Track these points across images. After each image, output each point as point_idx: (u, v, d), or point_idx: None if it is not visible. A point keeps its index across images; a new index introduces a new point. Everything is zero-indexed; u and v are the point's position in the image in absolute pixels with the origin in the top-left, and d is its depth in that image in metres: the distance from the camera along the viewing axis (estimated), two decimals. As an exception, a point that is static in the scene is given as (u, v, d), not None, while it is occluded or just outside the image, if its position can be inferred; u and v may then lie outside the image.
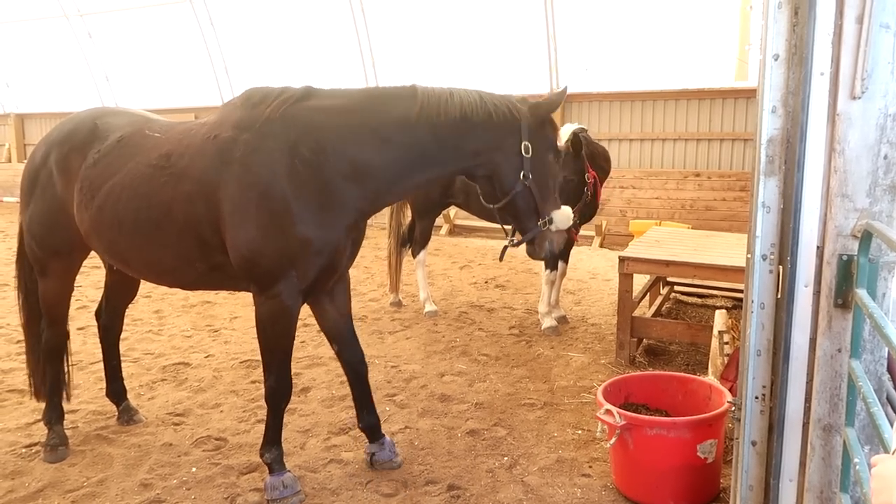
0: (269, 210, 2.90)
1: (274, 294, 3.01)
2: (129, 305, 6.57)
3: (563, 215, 3.10)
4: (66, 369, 3.92)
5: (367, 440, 3.62)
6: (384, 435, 3.63)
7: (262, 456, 3.33)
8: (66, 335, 3.85)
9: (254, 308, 3.15)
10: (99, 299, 4.18)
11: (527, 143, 2.98)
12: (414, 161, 3.00)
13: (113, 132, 3.37)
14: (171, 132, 3.25)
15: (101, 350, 4.15)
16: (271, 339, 3.15)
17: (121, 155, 3.25)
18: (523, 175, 3.00)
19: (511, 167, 3.00)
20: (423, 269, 6.55)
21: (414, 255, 6.52)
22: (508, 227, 3.36)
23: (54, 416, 3.77)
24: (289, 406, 4.25)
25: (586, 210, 5.63)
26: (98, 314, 4.12)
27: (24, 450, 3.76)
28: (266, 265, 2.95)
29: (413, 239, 6.50)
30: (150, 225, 3.12)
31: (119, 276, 3.98)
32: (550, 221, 3.07)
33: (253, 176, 2.91)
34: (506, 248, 3.42)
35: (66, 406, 4.26)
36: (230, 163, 2.94)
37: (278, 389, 3.22)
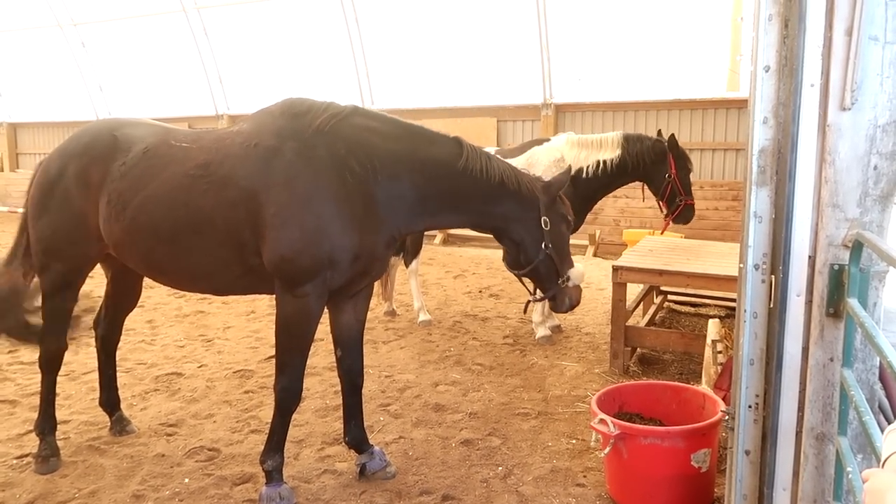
0: (316, 214, 3.04)
1: (302, 293, 3.10)
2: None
3: (578, 273, 3.44)
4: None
5: (356, 453, 3.62)
6: (372, 445, 3.64)
7: (262, 463, 3.31)
8: (66, 347, 3.81)
9: (276, 308, 3.21)
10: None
11: (545, 217, 3.31)
12: (451, 203, 3.30)
13: (135, 144, 3.38)
14: (201, 142, 3.31)
15: (96, 359, 4.12)
16: (292, 338, 3.21)
17: (150, 166, 3.28)
18: (545, 245, 3.31)
19: (533, 239, 3.33)
20: (417, 279, 6.56)
21: (406, 265, 6.53)
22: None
23: (48, 426, 3.73)
24: (282, 416, 4.26)
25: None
26: (96, 323, 4.08)
27: (14, 461, 3.72)
28: (304, 265, 3.05)
29: (405, 248, 6.51)
30: (190, 232, 3.19)
31: (120, 285, 3.96)
32: (568, 279, 3.40)
33: (302, 182, 3.05)
34: (528, 302, 3.87)
35: (58, 416, 4.24)
36: (275, 169, 3.06)
37: (291, 390, 3.25)
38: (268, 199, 3.05)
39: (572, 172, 5.50)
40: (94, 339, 4.12)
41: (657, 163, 5.58)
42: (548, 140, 5.97)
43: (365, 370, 3.68)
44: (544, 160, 5.70)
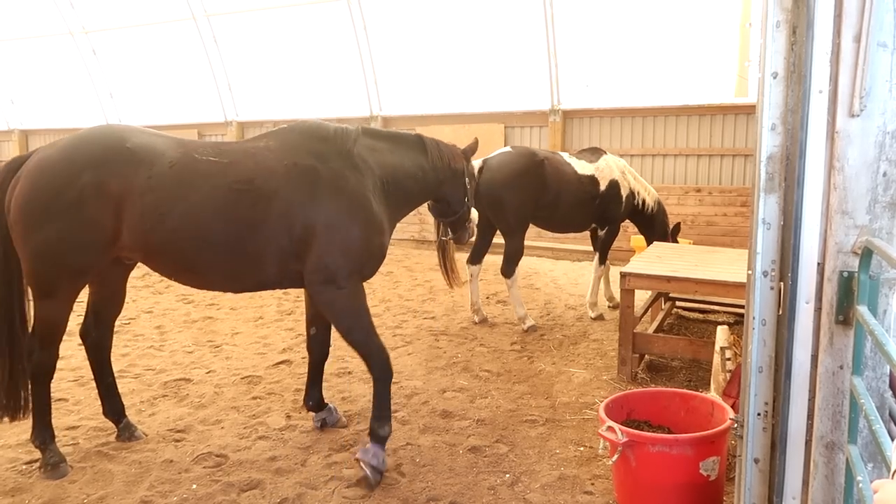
0: (363, 220, 3.64)
1: (346, 285, 3.62)
2: (132, 321, 6.63)
3: (475, 214, 4.60)
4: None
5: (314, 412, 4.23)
6: (328, 403, 4.31)
7: (378, 430, 3.66)
8: (57, 358, 3.73)
9: (323, 307, 3.72)
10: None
11: (467, 177, 4.35)
12: (424, 192, 4.20)
13: (156, 156, 3.50)
14: (231, 156, 3.60)
15: (92, 371, 4.05)
16: (358, 324, 3.68)
17: (184, 179, 3.48)
18: (467, 199, 4.41)
19: (461, 195, 4.38)
20: (476, 283, 6.63)
21: (508, 275, 6.36)
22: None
23: (47, 435, 3.69)
24: (288, 423, 4.28)
25: None
26: (84, 334, 4.00)
27: (24, 466, 3.74)
28: (354, 262, 3.62)
29: (508, 256, 6.43)
30: (239, 238, 3.51)
31: (105, 291, 3.94)
32: (471, 221, 4.55)
33: (348, 195, 3.62)
34: (442, 241, 4.90)
35: (68, 422, 4.25)
36: (320, 186, 3.58)
37: (384, 360, 3.71)
38: (316, 212, 3.53)
39: (626, 192, 6.78)
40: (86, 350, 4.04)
41: (664, 234, 7.23)
42: (604, 152, 6.98)
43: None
44: (616, 169, 6.81)
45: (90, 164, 3.44)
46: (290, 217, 3.51)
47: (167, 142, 3.62)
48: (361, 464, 3.55)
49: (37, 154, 3.57)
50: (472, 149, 4.47)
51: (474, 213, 4.57)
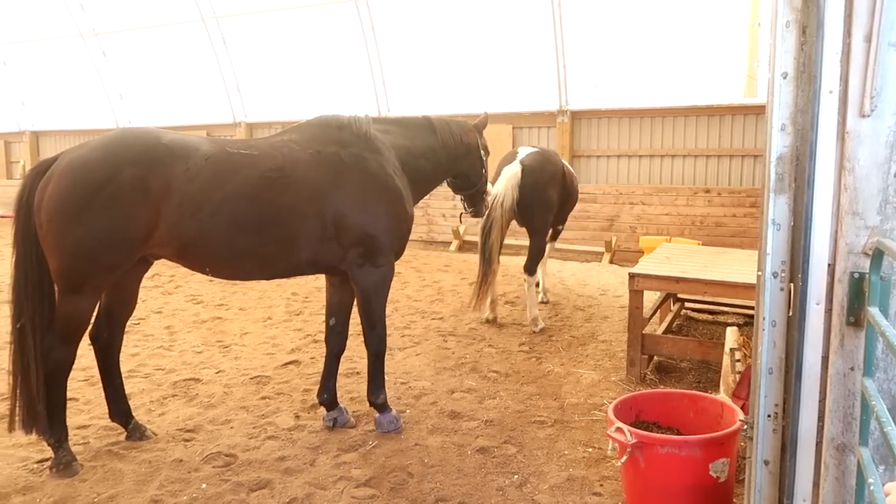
0: (387, 199, 3.95)
1: (382, 264, 4.00)
2: (142, 321, 6.67)
3: (490, 186, 4.92)
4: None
5: (326, 410, 4.26)
6: (341, 404, 4.35)
7: (375, 399, 4.16)
8: (76, 354, 3.74)
9: (354, 283, 4.01)
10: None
11: (482, 151, 4.66)
12: (437, 170, 4.47)
13: (191, 151, 3.62)
14: (259, 149, 3.81)
15: (100, 373, 4.03)
16: (379, 300, 4.08)
17: (219, 170, 3.63)
18: (484, 171, 4.75)
19: (478, 168, 4.71)
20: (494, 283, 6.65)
21: (532, 272, 6.50)
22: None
23: (63, 433, 3.72)
24: (297, 423, 4.30)
25: None
26: (96, 335, 3.98)
27: (35, 465, 3.76)
28: (383, 239, 3.95)
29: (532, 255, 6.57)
30: (273, 223, 3.70)
31: (122, 291, 3.95)
32: (487, 193, 4.93)
33: (370, 176, 3.92)
34: (462, 214, 5.14)
35: (78, 421, 4.28)
36: (342, 170, 3.87)
37: (383, 339, 4.17)
38: (341, 194, 3.80)
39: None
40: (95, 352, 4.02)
41: None
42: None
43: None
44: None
45: (130, 160, 3.48)
46: (319, 202, 3.76)
47: (198, 139, 3.78)
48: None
49: (67, 154, 3.57)
50: (483, 123, 4.80)
51: (489, 185, 4.87)
